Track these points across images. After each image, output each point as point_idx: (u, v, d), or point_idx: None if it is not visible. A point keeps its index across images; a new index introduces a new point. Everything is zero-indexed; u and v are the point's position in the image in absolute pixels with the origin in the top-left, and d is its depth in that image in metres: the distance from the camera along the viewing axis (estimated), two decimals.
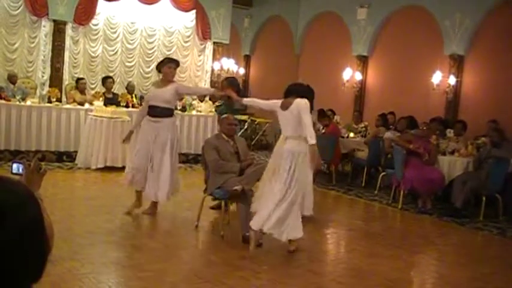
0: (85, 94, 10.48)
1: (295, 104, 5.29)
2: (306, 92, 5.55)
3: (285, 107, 5.38)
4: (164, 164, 6.30)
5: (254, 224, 5.28)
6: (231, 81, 6.95)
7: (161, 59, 7.28)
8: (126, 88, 11.36)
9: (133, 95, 10.92)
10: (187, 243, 5.68)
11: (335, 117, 10.64)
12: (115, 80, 11.56)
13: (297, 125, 5.28)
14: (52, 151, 9.55)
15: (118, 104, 10.01)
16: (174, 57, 13.20)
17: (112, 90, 10.79)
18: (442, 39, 10.88)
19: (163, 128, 6.33)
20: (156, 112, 6.33)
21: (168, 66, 6.40)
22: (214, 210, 6.79)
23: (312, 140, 5.17)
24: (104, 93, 10.38)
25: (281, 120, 5.47)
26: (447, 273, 5.40)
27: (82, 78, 10.91)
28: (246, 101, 6.12)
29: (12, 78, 10.15)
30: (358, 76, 12.55)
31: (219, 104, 8.18)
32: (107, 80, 10.76)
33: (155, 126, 6.33)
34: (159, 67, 6.55)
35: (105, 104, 9.71)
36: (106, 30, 12.32)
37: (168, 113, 6.40)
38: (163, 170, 6.30)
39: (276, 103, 5.54)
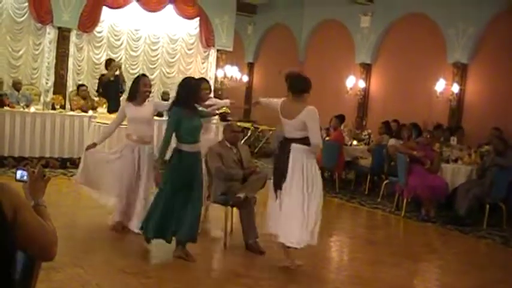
0: (87, 101, 10.50)
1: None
2: None
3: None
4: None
5: None
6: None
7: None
8: None
9: None
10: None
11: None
12: None
13: None
14: (56, 158, 9.59)
15: None
16: (177, 64, 13.34)
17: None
18: (445, 47, 10.90)
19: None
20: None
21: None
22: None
23: None
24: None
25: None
26: (450, 281, 5.38)
27: (83, 85, 10.94)
28: (263, 101, 5.56)
29: (16, 85, 10.19)
30: (362, 84, 12.57)
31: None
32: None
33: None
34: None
35: (109, 111, 9.72)
36: (110, 38, 12.39)
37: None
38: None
39: None
